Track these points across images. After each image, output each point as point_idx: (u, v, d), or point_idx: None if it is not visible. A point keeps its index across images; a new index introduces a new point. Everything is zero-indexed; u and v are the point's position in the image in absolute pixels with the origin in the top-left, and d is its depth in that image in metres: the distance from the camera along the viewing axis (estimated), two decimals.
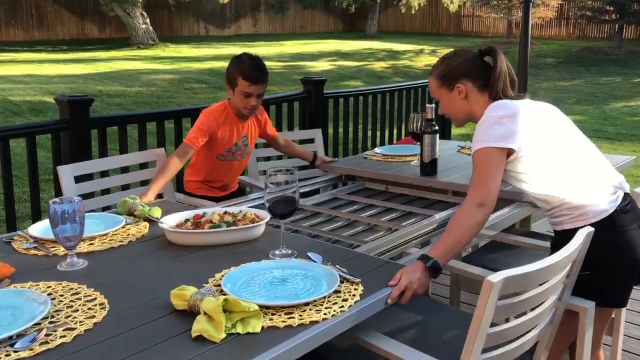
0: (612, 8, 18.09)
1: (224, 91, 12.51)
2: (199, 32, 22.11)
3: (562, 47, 18.70)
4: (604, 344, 2.69)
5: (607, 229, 1.68)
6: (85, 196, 2.56)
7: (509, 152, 1.70)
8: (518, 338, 1.43)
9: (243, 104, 2.65)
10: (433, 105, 2.60)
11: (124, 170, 2.90)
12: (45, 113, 8.68)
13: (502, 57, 1.85)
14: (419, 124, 2.72)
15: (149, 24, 17.98)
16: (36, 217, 2.90)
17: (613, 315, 2.04)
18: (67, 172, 2.30)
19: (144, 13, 17.75)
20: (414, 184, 2.61)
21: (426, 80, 5.58)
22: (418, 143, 2.70)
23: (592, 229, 1.54)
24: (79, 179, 2.41)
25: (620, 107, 11.06)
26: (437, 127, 2.58)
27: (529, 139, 1.71)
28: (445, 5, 22.55)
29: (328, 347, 1.38)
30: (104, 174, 2.81)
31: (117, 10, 17.23)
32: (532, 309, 1.42)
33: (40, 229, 1.80)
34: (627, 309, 2.42)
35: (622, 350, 2.57)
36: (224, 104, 2.75)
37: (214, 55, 16.24)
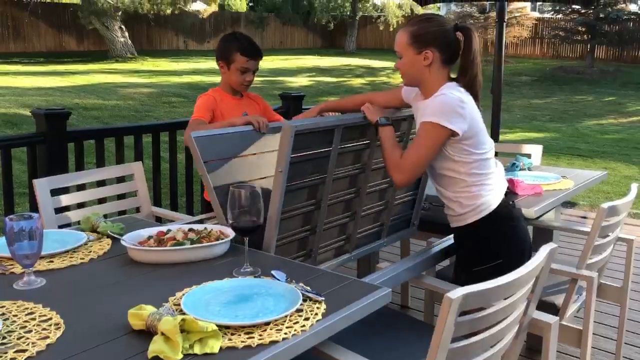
0: (583, 29, 18.54)
1: None
2: (178, 46, 22.08)
3: (537, 66, 19.08)
4: (574, 356, 2.72)
5: (505, 220, 1.92)
6: (62, 210, 2.52)
7: (453, 133, 1.86)
8: (482, 353, 1.43)
9: (239, 80, 2.66)
10: None
11: (100, 183, 2.86)
12: (21, 126, 8.56)
13: (477, 38, 1.89)
14: None
15: (128, 37, 17.91)
16: None
17: (581, 328, 2.06)
18: (43, 185, 2.26)
19: (122, 27, 17.70)
20: None
21: None
22: None
23: (555, 245, 1.56)
24: (55, 193, 2.37)
25: (592, 124, 11.29)
26: None
27: (470, 129, 1.87)
28: None
29: None
30: (80, 187, 2.77)
31: (95, 23, 17.15)
32: (496, 324, 1.42)
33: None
34: (595, 322, 2.45)
35: None
36: (215, 89, 2.75)
37: (193, 69, 16.22)
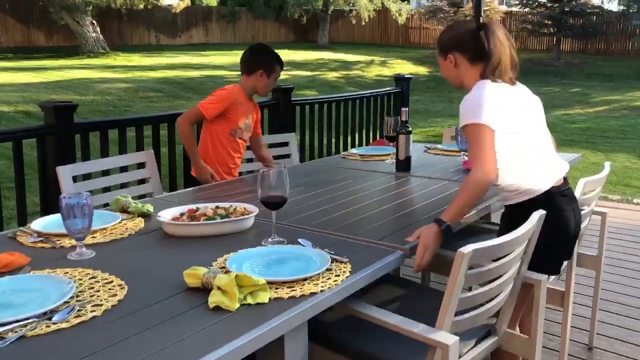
0: (550, 22, 19.10)
1: (180, 99, 12.36)
2: (150, 41, 21.92)
3: None
4: (555, 322, 2.99)
5: (548, 208, 1.91)
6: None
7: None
8: (484, 304, 1.66)
9: (271, 86, 3.12)
10: (407, 108, 2.89)
11: (105, 173, 3.00)
12: None
13: (497, 35, 1.97)
14: (394, 126, 3.00)
15: (99, 32, 17.75)
16: (22, 219, 2.98)
17: (563, 289, 2.32)
18: (66, 172, 2.41)
19: (94, 22, 17.52)
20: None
21: (384, 89, 5.96)
22: (391, 144, 2.98)
23: (543, 211, 1.79)
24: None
25: (560, 115, 11.73)
26: (410, 128, 2.84)
27: (501, 123, 1.91)
28: (394, 17, 23.21)
29: (320, 323, 1.59)
30: (86, 176, 2.91)
31: (66, 18, 16.94)
32: (496, 279, 1.65)
33: (43, 224, 1.91)
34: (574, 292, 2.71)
35: (571, 326, 2.86)
36: (236, 86, 3.06)
37: (167, 64, 16.18)
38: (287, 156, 3.63)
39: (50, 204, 3.08)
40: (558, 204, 1.99)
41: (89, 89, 11.76)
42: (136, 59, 17.15)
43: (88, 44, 17.41)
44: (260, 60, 3.06)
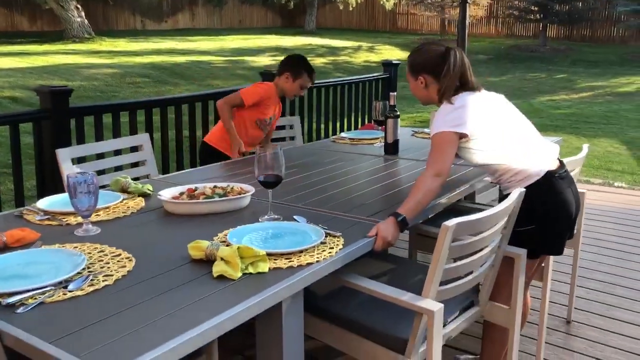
0: (536, 8, 19.23)
1: (167, 85, 12.29)
2: (135, 26, 21.71)
3: (492, 45, 19.68)
4: (535, 297, 3.14)
5: (548, 191, 2.04)
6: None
7: (462, 135, 2.04)
8: (467, 275, 1.78)
9: (297, 91, 3.36)
10: (395, 93, 3.00)
11: (99, 157, 3.07)
12: None
13: (455, 57, 2.11)
14: (383, 111, 3.11)
15: (84, 17, 17.57)
16: (19, 202, 3.05)
17: (543, 265, 2.45)
18: (65, 154, 2.48)
19: (78, 6, 17.34)
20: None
21: (373, 75, 6.06)
22: (380, 128, 3.09)
23: (523, 189, 1.91)
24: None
25: (545, 100, 11.90)
26: (398, 113, 2.95)
27: (479, 124, 2.05)
28: (381, 2, 23.19)
29: (314, 294, 1.69)
30: (81, 160, 2.99)
31: (50, 3, 16.76)
32: (479, 251, 1.77)
33: (48, 203, 2.00)
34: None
35: (550, 301, 3.00)
36: (271, 86, 3.36)
37: (153, 50, 16.08)
38: (292, 138, 3.78)
39: (46, 186, 3.15)
40: (557, 187, 2.09)
41: (75, 75, 11.70)
42: (122, 44, 17.03)
43: (73, 28, 17.23)
44: (289, 64, 3.35)
